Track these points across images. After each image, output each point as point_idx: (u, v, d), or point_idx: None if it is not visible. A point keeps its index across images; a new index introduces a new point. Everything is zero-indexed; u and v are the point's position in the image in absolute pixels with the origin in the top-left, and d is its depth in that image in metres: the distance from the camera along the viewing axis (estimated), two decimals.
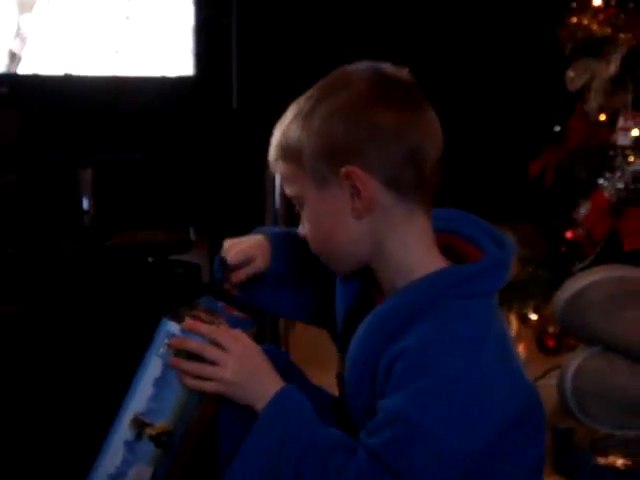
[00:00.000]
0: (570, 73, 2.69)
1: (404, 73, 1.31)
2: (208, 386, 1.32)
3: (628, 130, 2.58)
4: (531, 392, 1.32)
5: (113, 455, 1.35)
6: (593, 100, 2.65)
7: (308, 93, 1.31)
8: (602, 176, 2.58)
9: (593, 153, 2.64)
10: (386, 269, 1.31)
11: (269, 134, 1.34)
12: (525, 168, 2.79)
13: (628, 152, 2.56)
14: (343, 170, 1.26)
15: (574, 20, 2.71)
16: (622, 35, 2.59)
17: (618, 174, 2.56)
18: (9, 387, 2.30)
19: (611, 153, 2.58)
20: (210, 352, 1.31)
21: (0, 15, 2.53)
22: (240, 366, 1.31)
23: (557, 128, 2.80)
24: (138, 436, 1.34)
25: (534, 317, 2.76)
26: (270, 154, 1.34)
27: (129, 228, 2.73)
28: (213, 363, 1.31)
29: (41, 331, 2.42)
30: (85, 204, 2.69)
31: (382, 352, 1.25)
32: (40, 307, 2.45)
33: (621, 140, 2.58)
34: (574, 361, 2.20)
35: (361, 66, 1.32)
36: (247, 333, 1.38)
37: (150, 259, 2.61)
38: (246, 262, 1.47)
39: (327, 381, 1.50)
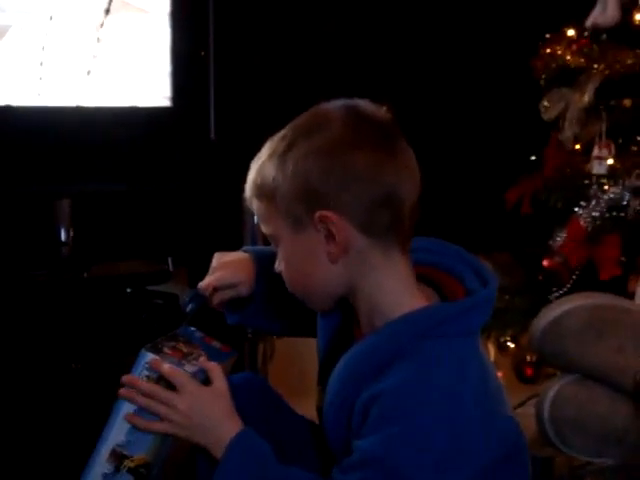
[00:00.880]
0: (545, 103, 2.72)
1: (381, 112, 1.30)
2: (158, 426, 1.32)
3: (603, 159, 2.60)
4: (511, 433, 1.31)
5: None
6: (568, 129, 2.67)
7: (283, 132, 1.30)
8: (578, 205, 2.60)
9: (569, 182, 2.66)
10: (362, 307, 1.31)
11: (247, 165, 1.34)
12: (502, 198, 2.81)
13: (603, 181, 2.58)
14: (317, 214, 1.25)
15: (548, 50, 2.74)
16: (596, 65, 2.62)
17: (594, 202, 2.58)
18: None
19: (586, 182, 2.60)
20: (160, 393, 1.31)
21: None
22: (191, 407, 1.30)
23: (533, 157, 2.82)
24: (116, 469, 1.33)
25: (512, 345, 2.77)
26: (246, 191, 1.33)
27: (107, 259, 2.73)
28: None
29: (17, 363, 2.40)
30: (63, 235, 2.68)
31: (359, 393, 1.24)
32: (16, 338, 2.43)
33: (596, 169, 2.60)
34: (551, 389, 2.20)
35: (337, 105, 1.30)
36: (224, 364, 1.38)
37: (128, 290, 2.61)
38: (230, 286, 1.48)
39: (305, 410, 1.50)
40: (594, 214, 2.56)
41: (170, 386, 1.32)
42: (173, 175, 2.84)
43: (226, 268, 1.49)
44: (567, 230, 2.59)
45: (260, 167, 1.30)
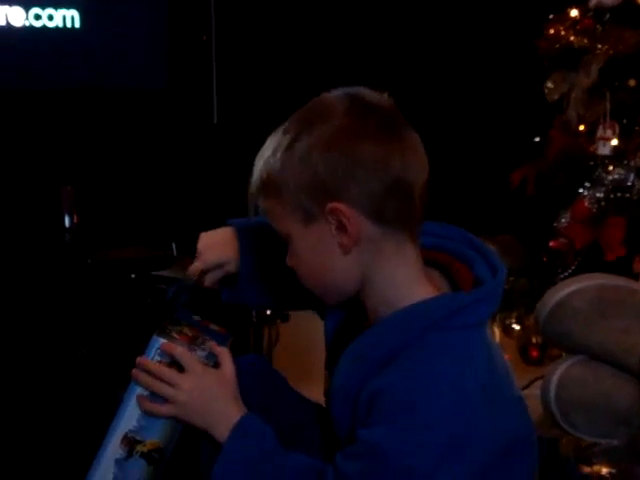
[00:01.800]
0: (549, 84, 2.71)
1: (383, 99, 1.28)
2: (163, 409, 1.32)
3: (607, 140, 2.59)
4: (520, 421, 1.31)
5: (103, 473, 1.34)
6: (572, 110, 2.66)
7: (285, 125, 1.28)
8: (582, 186, 2.59)
9: (573, 163, 2.65)
10: (372, 298, 1.30)
11: (250, 149, 1.33)
12: (506, 179, 2.80)
13: (607, 162, 2.58)
14: (328, 207, 1.23)
15: (552, 31, 2.73)
16: (599, 45, 2.61)
17: (598, 184, 2.57)
18: None
19: (591, 163, 2.59)
20: (165, 373, 1.32)
21: None
22: (195, 390, 1.31)
23: (537, 139, 2.81)
24: (129, 454, 1.34)
25: (517, 327, 2.77)
26: (251, 187, 1.31)
27: (111, 245, 2.73)
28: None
29: (23, 349, 2.41)
30: (67, 221, 2.69)
31: (365, 382, 1.24)
32: (22, 325, 2.44)
33: (600, 150, 2.60)
34: (557, 370, 2.20)
35: (338, 95, 1.28)
36: (224, 346, 1.38)
37: (133, 275, 2.61)
38: (218, 266, 1.49)
39: (310, 394, 1.50)
40: (599, 195, 2.56)
41: (181, 371, 1.33)
42: (177, 159, 2.85)
43: (212, 249, 1.50)
44: (572, 211, 2.59)
45: (265, 163, 1.27)
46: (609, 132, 2.60)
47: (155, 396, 1.33)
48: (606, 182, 2.57)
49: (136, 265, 2.63)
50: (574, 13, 2.72)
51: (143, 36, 2.72)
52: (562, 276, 2.54)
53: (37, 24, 2.69)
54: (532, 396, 2.22)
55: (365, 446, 1.21)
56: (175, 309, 1.48)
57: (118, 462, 1.34)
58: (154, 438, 1.34)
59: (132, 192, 2.84)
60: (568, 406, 2.18)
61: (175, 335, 1.36)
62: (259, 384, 1.42)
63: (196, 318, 1.42)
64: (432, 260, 1.33)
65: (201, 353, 1.35)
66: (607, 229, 2.53)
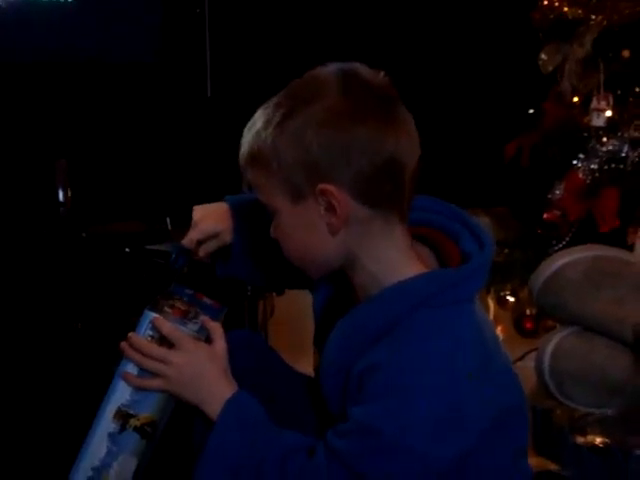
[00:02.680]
0: (543, 55, 2.70)
1: (378, 77, 1.26)
2: (152, 383, 1.33)
3: (601, 111, 2.59)
4: (511, 391, 1.32)
5: (97, 447, 1.35)
6: (566, 82, 2.66)
7: (278, 99, 1.26)
8: (576, 157, 2.59)
9: (567, 135, 2.65)
10: (360, 277, 1.29)
11: (244, 122, 1.32)
12: (500, 151, 2.80)
13: (602, 133, 2.57)
14: (318, 187, 1.22)
15: (546, 2, 2.72)
16: (593, 16, 2.60)
17: (592, 155, 2.57)
18: None
19: (585, 134, 2.59)
20: (154, 350, 1.32)
21: None
22: (185, 365, 1.31)
23: (531, 111, 2.81)
24: (122, 428, 1.35)
25: (512, 299, 2.77)
26: (240, 159, 1.30)
27: (105, 219, 2.73)
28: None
29: (19, 322, 2.41)
30: (61, 195, 2.68)
31: (354, 360, 1.25)
32: (17, 299, 2.44)
33: (595, 121, 2.59)
34: (551, 342, 2.21)
35: (334, 71, 1.26)
36: (217, 320, 1.38)
37: (127, 249, 2.61)
38: (213, 236, 1.49)
39: (305, 368, 1.50)
40: (593, 166, 2.56)
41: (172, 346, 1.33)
42: (170, 133, 2.84)
43: (206, 220, 1.50)
44: (566, 183, 2.59)
45: (255, 135, 1.26)
46: (603, 103, 2.59)
47: (146, 372, 1.34)
48: (600, 153, 2.56)
49: (130, 239, 2.63)
50: None
51: (137, 9, 2.71)
52: (556, 248, 2.54)
53: None
54: (526, 368, 2.23)
55: (356, 424, 1.21)
56: (175, 274, 1.48)
57: (111, 436, 1.35)
58: (147, 412, 1.35)
59: (126, 166, 2.83)
60: (562, 377, 2.19)
61: (167, 309, 1.36)
62: (251, 359, 1.43)
63: (189, 291, 1.42)
64: (420, 235, 1.33)
65: (193, 327, 1.35)
66: (601, 200, 2.53)
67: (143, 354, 1.33)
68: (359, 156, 1.22)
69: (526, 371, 2.20)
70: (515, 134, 2.79)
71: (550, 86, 2.75)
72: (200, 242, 1.50)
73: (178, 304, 1.37)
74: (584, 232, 2.55)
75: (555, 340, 2.21)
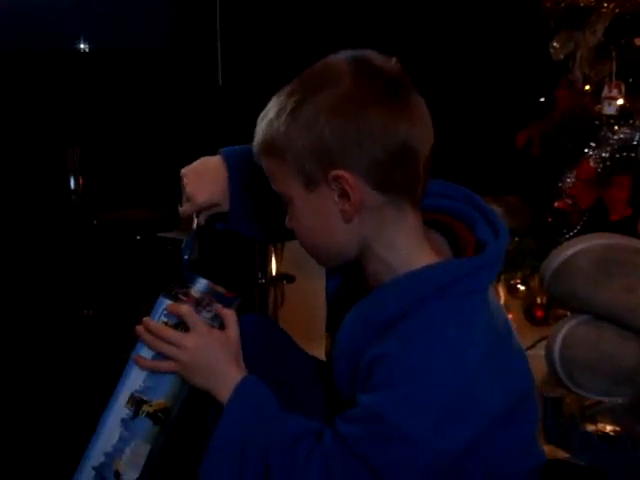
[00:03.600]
0: (554, 43, 2.69)
1: (391, 64, 1.26)
2: (164, 365, 1.33)
3: (613, 99, 2.58)
4: (522, 377, 1.32)
5: (109, 433, 1.35)
6: (578, 70, 2.65)
7: (291, 87, 1.26)
8: (588, 146, 2.58)
9: (578, 123, 2.64)
10: (372, 263, 1.30)
11: (255, 110, 1.32)
12: (511, 140, 2.79)
13: (613, 121, 2.57)
14: (331, 174, 1.22)
15: None
16: (605, 4, 2.59)
17: (603, 143, 2.56)
18: None
19: (596, 123, 2.59)
20: (169, 333, 1.33)
21: None
22: (198, 349, 1.31)
23: (542, 99, 2.80)
24: (135, 414, 1.35)
25: (522, 288, 2.77)
26: (254, 148, 1.30)
27: (116, 206, 2.73)
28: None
29: (30, 310, 2.42)
30: (72, 183, 2.69)
31: (365, 348, 1.25)
32: (28, 286, 2.45)
33: (606, 109, 2.59)
34: (562, 330, 2.21)
35: (346, 58, 1.26)
36: (230, 309, 1.39)
37: (138, 237, 2.62)
38: (210, 207, 1.47)
39: (317, 353, 1.50)
40: (604, 155, 2.55)
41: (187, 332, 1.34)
42: (181, 121, 2.84)
43: (202, 192, 1.47)
44: (577, 171, 2.58)
45: (269, 124, 1.26)
46: (615, 92, 2.58)
47: (160, 356, 1.34)
48: (611, 142, 2.56)
49: (141, 227, 2.64)
50: None
51: None
52: (567, 236, 2.54)
53: None
54: (537, 356, 2.23)
55: (364, 411, 1.22)
56: (185, 262, 1.48)
57: (124, 422, 1.35)
58: (160, 399, 1.35)
59: (137, 154, 2.84)
60: (572, 365, 2.19)
61: (181, 297, 1.37)
62: (263, 342, 1.44)
63: (203, 281, 1.43)
64: (434, 221, 1.32)
65: (206, 314, 1.36)
66: (612, 189, 2.53)
67: (158, 338, 1.33)
68: (372, 142, 1.21)
69: (536, 359, 2.20)
70: (526, 122, 2.79)
71: (561, 74, 2.74)
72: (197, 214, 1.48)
73: (192, 292, 1.38)
74: (595, 220, 2.55)
75: (565, 328, 2.21)
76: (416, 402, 1.20)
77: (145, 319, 1.35)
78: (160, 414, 1.35)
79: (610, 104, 2.58)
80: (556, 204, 2.60)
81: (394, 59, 1.27)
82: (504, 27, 3.12)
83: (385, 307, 1.25)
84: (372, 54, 1.27)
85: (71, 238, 2.58)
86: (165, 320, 1.35)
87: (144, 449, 1.35)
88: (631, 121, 2.55)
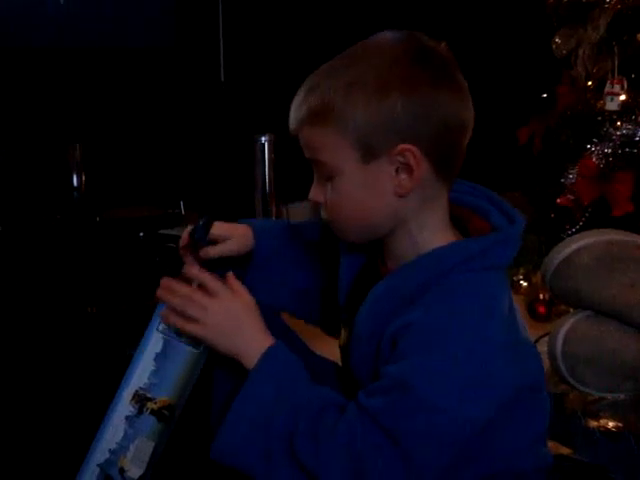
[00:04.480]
0: (556, 39, 2.69)
1: (441, 46, 1.28)
2: (189, 327, 1.31)
3: (615, 95, 2.58)
4: (536, 368, 1.33)
5: (114, 430, 1.36)
6: (580, 66, 2.65)
7: (342, 60, 1.25)
8: (590, 142, 2.59)
9: (581, 119, 2.64)
10: (399, 242, 1.29)
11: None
12: (513, 135, 2.79)
13: (615, 117, 2.57)
14: (399, 147, 1.21)
15: None
16: (607, 0, 2.59)
17: (606, 139, 2.57)
18: (1, 366, 2.31)
19: (599, 118, 2.59)
20: (197, 296, 1.31)
21: None
22: (225, 313, 1.30)
23: (545, 95, 2.80)
24: (139, 411, 1.35)
25: (525, 284, 2.77)
26: (297, 118, 1.26)
27: (119, 203, 2.74)
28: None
29: (33, 306, 2.42)
30: (75, 180, 2.69)
31: (389, 322, 1.24)
32: (31, 283, 2.45)
33: (608, 105, 2.59)
34: (564, 326, 2.20)
35: (399, 37, 1.27)
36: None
37: (141, 233, 2.62)
38: (220, 239, 1.46)
39: (324, 352, 1.50)
40: (606, 151, 2.56)
41: None
42: (184, 117, 2.84)
43: (229, 241, 1.48)
44: (579, 167, 2.58)
45: (319, 93, 1.23)
46: (617, 87, 2.59)
47: (168, 353, 1.34)
48: (614, 137, 2.56)
49: (144, 223, 2.64)
50: None
51: None
52: (570, 232, 2.54)
53: None
54: (539, 352, 2.23)
55: (388, 380, 1.21)
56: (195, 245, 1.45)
57: (128, 419, 1.36)
58: (165, 396, 1.36)
59: (140, 150, 2.84)
60: (575, 361, 2.19)
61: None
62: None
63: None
64: (450, 213, 1.33)
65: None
66: (615, 185, 2.53)
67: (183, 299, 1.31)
68: (438, 118, 1.22)
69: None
70: (529, 118, 2.79)
71: (564, 70, 2.74)
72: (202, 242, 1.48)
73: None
74: (597, 216, 2.55)
75: (568, 324, 2.21)
76: (440, 369, 1.19)
77: (167, 280, 1.34)
78: (164, 411, 1.35)
79: (612, 100, 2.58)
80: (558, 200, 2.60)
81: (444, 43, 1.29)
82: (506, 23, 3.12)
83: (409, 282, 1.25)
84: (423, 36, 1.28)
85: (74, 235, 2.58)
86: None
87: (148, 446, 1.36)
88: (633, 117, 2.55)
